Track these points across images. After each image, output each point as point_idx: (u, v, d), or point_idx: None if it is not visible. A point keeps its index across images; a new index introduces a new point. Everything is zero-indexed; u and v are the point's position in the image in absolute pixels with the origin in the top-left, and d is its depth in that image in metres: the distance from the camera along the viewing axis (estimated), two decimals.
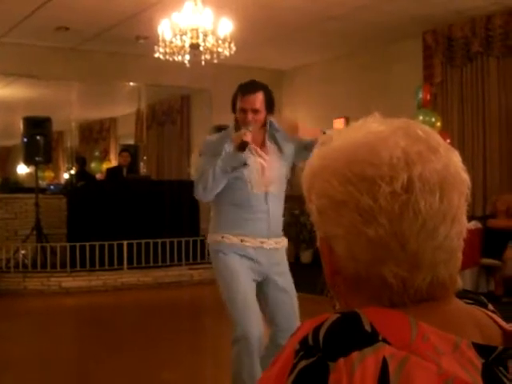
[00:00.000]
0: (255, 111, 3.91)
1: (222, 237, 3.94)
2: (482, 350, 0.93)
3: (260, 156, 4.00)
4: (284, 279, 4.05)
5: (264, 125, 4.03)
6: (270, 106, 4.00)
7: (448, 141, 8.36)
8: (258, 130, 3.98)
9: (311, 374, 0.88)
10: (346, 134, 1.01)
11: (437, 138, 0.99)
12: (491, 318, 1.02)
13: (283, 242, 4.11)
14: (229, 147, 3.91)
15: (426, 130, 0.99)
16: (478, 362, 0.91)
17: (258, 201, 3.93)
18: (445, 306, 0.98)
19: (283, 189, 4.10)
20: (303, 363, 0.89)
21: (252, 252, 3.92)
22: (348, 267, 0.98)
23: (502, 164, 9.56)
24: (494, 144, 9.61)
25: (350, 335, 0.90)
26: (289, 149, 4.11)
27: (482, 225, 8.66)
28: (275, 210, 4.01)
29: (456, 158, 0.99)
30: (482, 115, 9.75)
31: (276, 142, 4.08)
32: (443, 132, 8.53)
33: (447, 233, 0.95)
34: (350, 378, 0.86)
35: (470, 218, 8.69)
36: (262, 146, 4.05)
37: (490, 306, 1.06)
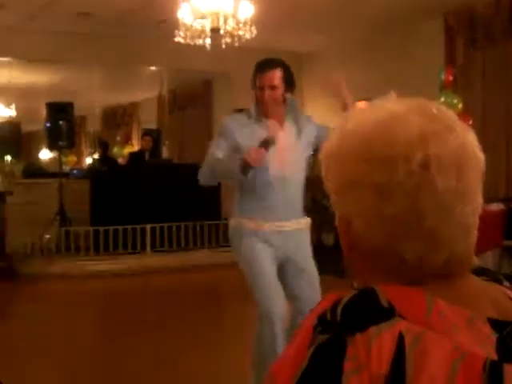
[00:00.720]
0: (273, 87, 3.88)
1: (241, 222, 3.97)
2: (496, 324, 0.95)
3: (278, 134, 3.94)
4: (304, 260, 4.07)
5: (283, 102, 3.99)
6: (289, 82, 3.97)
7: (470, 122, 8.32)
8: (276, 107, 3.95)
9: (329, 348, 0.91)
10: (363, 115, 1.03)
11: (453, 117, 1.00)
12: (506, 294, 1.04)
13: (304, 223, 4.11)
14: (244, 137, 3.90)
15: (442, 109, 1.01)
16: (493, 336, 0.93)
17: (274, 183, 3.92)
18: (461, 283, 1.00)
19: (302, 171, 4.08)
20: (322, 338, 0.92)
21: (269, 236, 3.93)
22: (366, 244, 1.00)
23: None
24: None
25: (367, 311, 0.92)
26: (310, 130, 4.07)
27: (504, 206, 8.62)
28: (293, 192, 4.01)
29: (472, 137, 1.00)
30: (505, 97, 9.67)
31: (296, 123, 4.05)
32: (465, 113, 8.49)
33: (463, 210, 0.97)
34: (367, 353, 0.88)
35: (493, 199, 8.66)
36: (282, 123, 4.02)
37: (506, 283, 1.08)
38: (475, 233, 1.00)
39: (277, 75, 3.90)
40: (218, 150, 3.92)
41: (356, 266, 1.05)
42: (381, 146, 0.96)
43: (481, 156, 1.00)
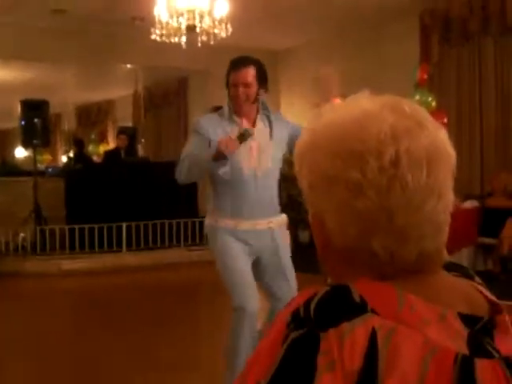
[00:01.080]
0: (246, 85, 3.91)
1: (216, 220, 4.01)
2: (467, 320, 0.96)
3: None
4: (279, 257, 4.11)
5: (256, 100, 4.02)
6: (262, 80, 3.99)
7: (445, 120, 8.38)
8: (249, 105, 3.99)
9: (303, 344, 0.91)
10: (336, 111, 1.03)
11: (424, 114, 1.01)
12: (478, 289, 1.05)
13: (279, 221, 4.14)
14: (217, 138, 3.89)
15: (414, 106, 1.01)
16: (464, 331, 0.94)
17: (248, 182, 3.96)
18: (432, 279, 1.01)
19: (275, 169, 4.11)
20: (295, 334, 0.92)
21: (244, 234, 3.98)
22: (339, 240, 1.00)
23: (498, 143, 9.57)
24: (490, 123, 9.62)
25: (339, 306, 0.93)
26: (282, 129, 4.12)
27: (479, 204, 8.69)
28: (267, 190, 4.04)
29: (443, 134, 1.01)
30: (479, 95, 9.75)
31: (268, 122, 4.08)
32: (440, 111, 8.55)
33: (434, 207, 0.97)
34: (340, 348, 0.89)
35: (468, 196, 8.74)
36: (253, 124, 4.04)
37: (477, 279, 1.09)
38: (446, 229, 1.01)
39: (250, 73, 3.93)
40: (193, 148, 3.95)
41: (329, 262, 1.05)
42: (353, 142, 0.96)
43: (452, 153, 1.01)
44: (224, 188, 3.99)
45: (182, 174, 3.97)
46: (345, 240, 0.99)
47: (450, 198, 1.00)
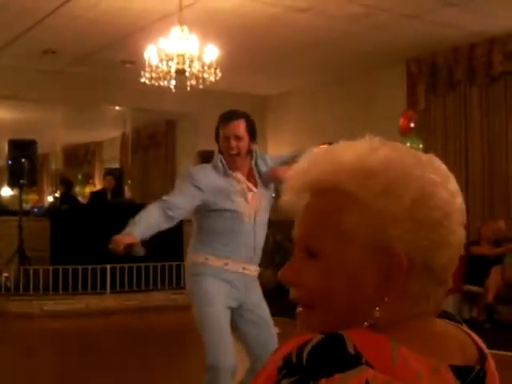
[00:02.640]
0: (238, 138, 3.92)
1: (206, 258, 3.90)
2: (459, 372, 0.96)
3: (248, 186, 4.01)
4: (260, 307, 4.06)
5: (249, 152, 4.04)
6: (252, 133, 4.01)
7: None
8: (241, 158, 3.99)
9: None
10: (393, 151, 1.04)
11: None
12: (468, 334, 1.06)
13: (257, 271, 4.11)
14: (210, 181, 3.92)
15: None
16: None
17: (246, 229, 3.94)
18: (427, 326, 1.01)
19: (267, 216, 4.12)
20: (286, 381, 0.91)
21: (231, 277, 3.90)
22: (436, 272, 1.01)
23: (485, 190, 9.63)
24: (476, 171, 9.69)
25: (333, 356, 0.91)
26: (270, 186, 4.14)
27: (464, 251, 8.69)
28: (260, 237, 4.05)
29: None
30: (465, 142, 9.84)
31: (258, 171, 4.09)
32: None
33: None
34: None
35: None
36: (249, 174, 4.06)
37: (465, 326, 1.09)
38: None
39: (241, 126, 3.94)
40: (171, 199, 3.89)
41: (387, 304, 1.00)
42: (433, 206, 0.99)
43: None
44: (219, 232, 3.92)
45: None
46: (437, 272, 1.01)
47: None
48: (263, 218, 4.06)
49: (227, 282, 3.90)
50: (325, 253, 1.00)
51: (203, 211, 3.94)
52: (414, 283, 0.98)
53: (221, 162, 3.97)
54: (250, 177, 4.05)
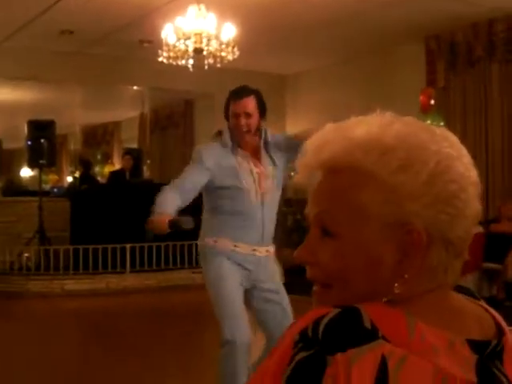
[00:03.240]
0: (248, 115, 3.91)
1: (215, 241, 3.96)
2: (476, 346, 0.96)
3: (256, 165, 4.02)
4: (274, 285, 4.10)
5: (258, 130, 4.04)
6: (262, 110, 4.01)
7: None
8: (251, 136, 4.00)
9: (308, 366, 0.90)
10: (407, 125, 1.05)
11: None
12: (486, 310, 1.06)
13: (272, 250, 4.13)
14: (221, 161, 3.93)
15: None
16: (473, 358, 0.94)
17: (254, 209, 3.94)
18: (444, 299, 1.02)
19: (278, 197, 4.13)
20: (302, 354, 0.91)
21: (242, 258, 3.94)
22: (457, 243, 1.01)
23: (504, 169, 9.57)
24: (496, 149, 9.63)
25: (349, 331, 0.91)
26: (280, 156, 4.11)
27: (483, 229, 8.66)
28: (269, 218, 4.03)
29: None
30: (485, 120, 9.76)
31: (269, 151, 4.08)
32: None
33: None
34: (347, 374, 0.88)
35: None
36: (257, 152, 4.06)
37: (482, 302, 1.09)
38: None
39: (251, 103, 3.94)
40: (183, 181, 3.90)
41: (408, 278, 1.00)
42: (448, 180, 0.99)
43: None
44: (227, 212, 3.96)
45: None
46: (464, 238, 1.02)
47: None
48: (272, 197, 4.05)
49: (238, 263, 3.94)
50: (341, 231, 1.00)
51: (211, 189, 3.96)
52: (432, 257, 0.98)
53: (230, 139, 3.99)
54: (258, 155, 4.05)
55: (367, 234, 0.98)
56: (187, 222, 3.69)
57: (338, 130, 1.04)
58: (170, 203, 3.79)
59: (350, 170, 1.00)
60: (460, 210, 0.98)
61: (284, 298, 4.09)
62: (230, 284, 3.88)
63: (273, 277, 4.11)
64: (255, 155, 4.04)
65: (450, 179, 0.97)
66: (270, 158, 4.07)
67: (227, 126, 4.04)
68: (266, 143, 4.09)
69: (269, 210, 4.01)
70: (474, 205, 1.00)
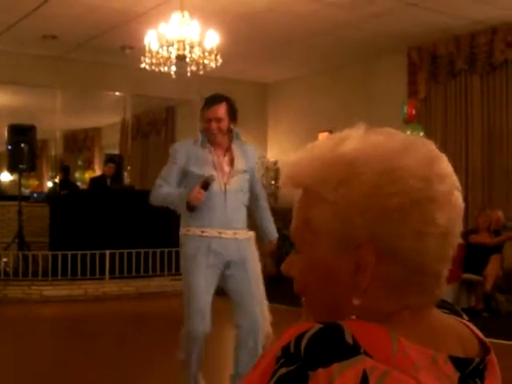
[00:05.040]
0: (218, 120, 4.46)
1: (188, 230, 4.51)
2: (458, 363, 0.95)
3: (221, 159, 4.56)
4: (245, 267, 4.53)
5: (229, 132, 4.56)
6: (233, 115, 4.55)
7: None
8: (221, 136, 4.52)
9: (290, 381, 0.90)
10: (375, 140, 1.02)
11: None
12: (469, 327, 1.05)
13: (244, 234, 4.58)
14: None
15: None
16: (455, 375, 0.94)
17: (217, 196, 4.45)
18: (427, 317, 1.00)
19: (243, 188, 4.62)
20: (283, 370, 0.91)
21: (211, 241, 4.44)
22: (411, 263, 0.98)
23: (484, 180, 9.64)
24: (476, 160, 9.69)
25: (331, 346, 0.91)
26: (252, 163, 4.72)
27: (463, 240, 8.70)
28: (233, 205, 4.51)
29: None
30: (465, 132, 9.83)
31: (243, 150, 4.66)
32: None
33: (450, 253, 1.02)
34: None
35: None
36: (227, 150, 4.60)
37: (465, 316, 1.09)
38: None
39: (222, 109, 4.49)
40: (165, 181, 4.56)
41: (366, 296, 1.00)
42: (431, 164, 0.99)
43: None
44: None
45: (156, 201, 4.63)
46: (422, 262, 0.98)
47: (458, 236, 1.03)
48: (235, 189, 4.54)
49: (208, 247, 4.44)
50: (302, 248, 1.04)
51: (183, 181, 4.56)
52: (388, 272, 0.97)
53: (201, 136, 4.57)
54: (226, 153, 4.59)
55: (322, 251, 1.00)
56: (210, 177, 4.38)
57: (303, 151, 1.06)
58: (173, 189, 4.54)
59: (304, 190, 1.03)
60: (410, 225, 0.96)
61: (251, 278, 4.54)
62: (197, 279, 4.39)
63: (245, 259, 4.53)
64: (225, 153, 4.58)
65: (394, 192, 0.95)
66: (241, 154, 4.62)
67: (200, 128, 4.63)
68: (240, 142, 4.68)
69: (232, 198, 4.51)
70: (433, 220, 0.96)
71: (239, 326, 4.48)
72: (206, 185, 4.34)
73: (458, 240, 1.01)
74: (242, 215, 4.59)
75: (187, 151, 4.55)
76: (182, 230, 4.58)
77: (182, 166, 4.53)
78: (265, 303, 4.61)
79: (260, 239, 4.84)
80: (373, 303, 0.98)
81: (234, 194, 4.53)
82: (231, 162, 4.58)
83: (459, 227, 1.01)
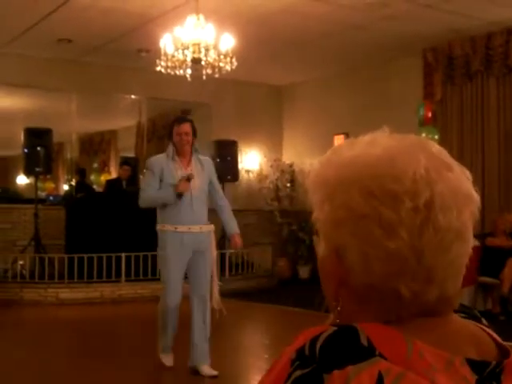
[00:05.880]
0: (187, 134, 5.79)
1: (163, 226, 5.75)
2: (475, 366, 0.94)
3: (186, 168, 5.77)
4: (204, 254, 5.77)
5: (191, 145, 5.83)
6: (194, 132, 5.87)
7: None
8: (187, 148, 5.81)
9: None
10: (360, 147, 1.02)
11: (448, 155, 1.01)
12: (487, 332, 1.04)
13: (207, 228, 5.82)
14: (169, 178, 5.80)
15: (438, 147, 1.01)
16: (472, 378, 0.93)
17: (185, 199, 5.67)
18: (443, 322, 0.99)
19: (205, 192, 5.85)
20: (298, 373, 0.90)
21: (181, 236, 5.67)
22: (360, 278, 0.98)
23: (501, 182, 9.59)
24: (492, 162, 9.64)
25: (346, 349, 0.91)
26: (210, 169, 5.95)
27: (480, 243, 8.66)
28: (198, 206, 5.74)
29: (468, 176, 1.01)
30: (482, 134, 9.78)
31: (199, 161, 5.88)
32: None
33: (458, 250, 0.97)
34: None
35: None
36: (190, 160, 5.85)
37: (484, 321, 1.08)
38: (464, 272, 1.01)
39: (188, 127, 5.83)
40: (149, 186, 5.78)
41: (341, 303, 1.02)
42: (388, 180, 0.95)
43: (476, 197, 1.00)
44: (167, 205, 5.70)
45: (144, 203, 5.89)
46: (368, 278, 0.97)
47: (471, 242, 1.00)
48: (199, 193, 5.76)
49: (180, 240, 5.66)
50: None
51: (159, 188, 5.75)
52: (351, 283, 0.99)
53: (172, 150, 5.83)
54: (189, 163, 5.84)
55: (320, 251, 1.05)
56: (191, 175, 5.67)
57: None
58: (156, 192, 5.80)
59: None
60: (360, 237, 0.96)
61: (206, 265, 5.79)
62: (173, 263, 5.68)
63: (205, 247, 5.77)
64: (188, 162, 5.84)
65: (338, 205, 0.98)
66: (199, 164, 5.86)
67: (170, 142, 5.88)
68: (197, 154, 5.92)
69: (197, 199, 5.74)
70: (394, 235, 0.94)
71: (191, 299, 5.80)
72: (188, 179, 5.62)
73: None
74: (204, 212, 5.83)
75: (160, 164, 5.80)
76: (159, 226, 5.82)
77: (158, 175, 5.73)
78: (217, 283, 5.94)
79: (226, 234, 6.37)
80: (345, 311, 1.01)
81: (198, 195, 5.75)
82: (193, 171, 5.76)
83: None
